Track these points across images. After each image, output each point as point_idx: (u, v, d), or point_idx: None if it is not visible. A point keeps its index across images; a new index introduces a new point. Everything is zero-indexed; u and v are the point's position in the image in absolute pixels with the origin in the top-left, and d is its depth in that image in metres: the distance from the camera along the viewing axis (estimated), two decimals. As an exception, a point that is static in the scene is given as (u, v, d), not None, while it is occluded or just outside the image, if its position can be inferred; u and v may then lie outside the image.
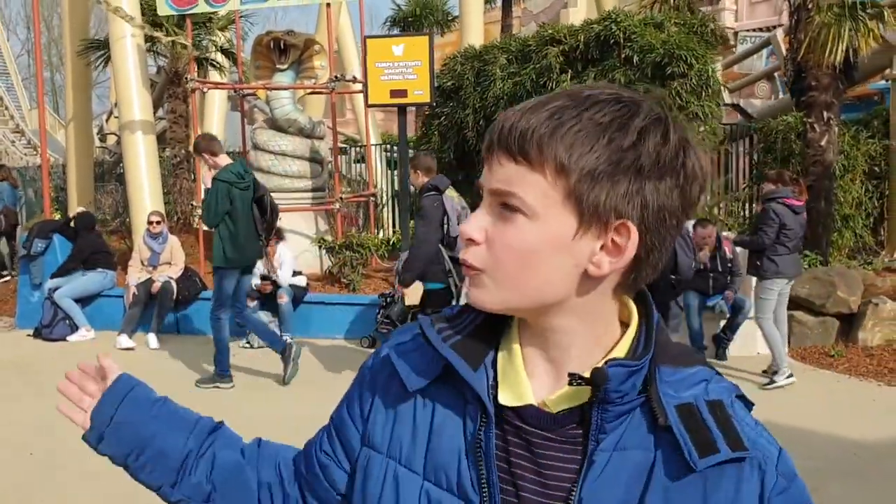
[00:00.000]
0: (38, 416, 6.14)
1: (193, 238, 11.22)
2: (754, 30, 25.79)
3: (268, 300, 8.85)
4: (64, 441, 5.54)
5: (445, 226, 6.16)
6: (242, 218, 6.81)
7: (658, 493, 0.87)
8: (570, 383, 0.88)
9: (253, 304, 8.74)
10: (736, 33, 28.63)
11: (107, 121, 26.80)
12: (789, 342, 7.69)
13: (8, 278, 13.06)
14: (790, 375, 6.83)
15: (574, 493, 0.89)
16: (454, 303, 6.31)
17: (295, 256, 9.36)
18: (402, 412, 1.00)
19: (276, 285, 8.83)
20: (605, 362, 0.88)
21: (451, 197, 6.29)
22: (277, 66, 10.66)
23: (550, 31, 9.39)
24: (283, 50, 10.60)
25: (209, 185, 6.90)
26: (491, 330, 0.97)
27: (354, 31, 17.76)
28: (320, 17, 16.13)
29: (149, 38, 11.48)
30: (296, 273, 9.14)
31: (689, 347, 0.99)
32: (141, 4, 11.22)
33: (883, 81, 13.67)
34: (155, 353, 8.45)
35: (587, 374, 0.87)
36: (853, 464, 5.01)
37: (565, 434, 0.91)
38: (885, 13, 9.22)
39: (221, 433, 1.19)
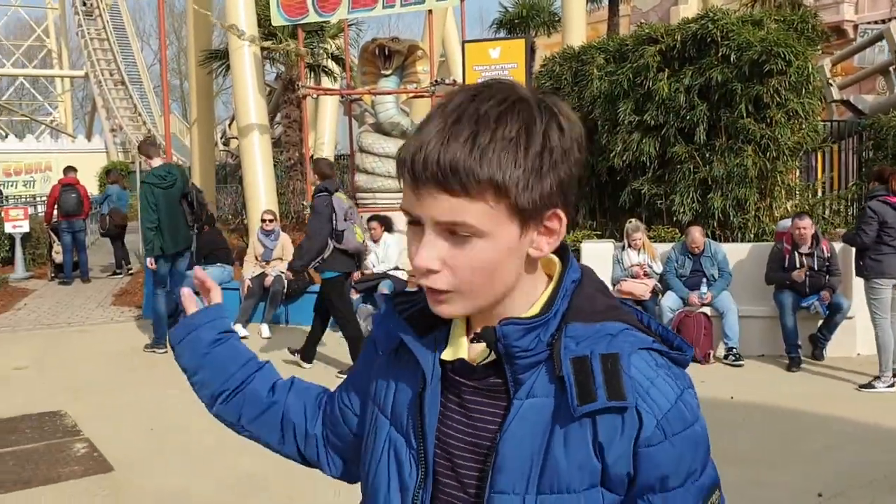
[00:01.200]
0: (155, 401, 6.76)
1: (304, 236, 11.82)
2: (875, 22, 24.70)
3: (371, 294, 9.28)
4: (181, 419, 6.11)
5: (334, 222, 7.13)
6: (167, 213, 8.08)
7: (558, 435, 0.99)
8: (471, 341, 1.04)
9: (356, 296, 9.21)
10: (856, 26, 27.47)
11: (229, 125, 28.10)
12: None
13: (121, 275, 14.08)
14: (893, 385, 6.67)
15: (498, 435, 1.01)
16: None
17: (400, 251, 9.77)
18: (383, 367, 1.16)
19: (377, 277, 9.26)
20: (500, 321, 1.00)
21: (340, 198, 7.32)
22: (382, 71, 11.14)
23: (648, 31, 9.44)
24: (388, 56, 11.06)
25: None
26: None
27: (460, 36, 18.14)
28: (426, 23, 16.62)
29: (264, 48, 12.18)
30: (397, 268, 9.55)
31: (611, 303, 1.05)
32: (258, 16, 11.93)
33: None
34: (267, 342, 9.03)
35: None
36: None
37: (488, 383, 1.03)
38: None
39: (264, 370, 1.39)
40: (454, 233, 0.93)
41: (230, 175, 23.59)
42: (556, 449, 0.98)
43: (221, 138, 26.74)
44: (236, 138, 25.14)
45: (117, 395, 6.92)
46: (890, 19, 14.11)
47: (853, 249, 7.12)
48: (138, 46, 49.27)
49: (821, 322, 7.65)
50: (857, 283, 7.35)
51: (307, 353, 7.79)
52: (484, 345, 1.01)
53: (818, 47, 9.36)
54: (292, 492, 4.70)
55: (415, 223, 0.96)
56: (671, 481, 1.00)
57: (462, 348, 1.06)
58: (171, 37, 53.25)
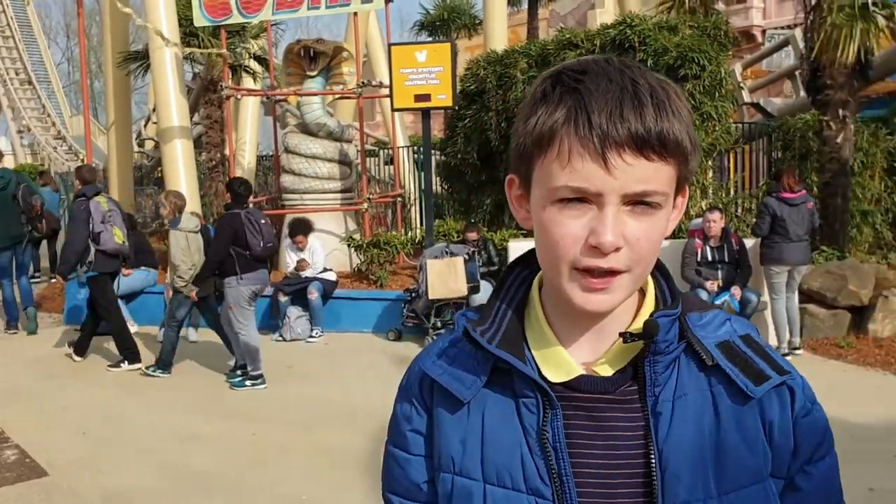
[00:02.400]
0: (91, 401, 6.66)
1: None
2: (782, 27, 25.81)
3: (299, 296, 9.29)
4: (113, 420, 6.05)
5: (91, 225, 7.54)
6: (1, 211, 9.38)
7: (731, 425, 0.93)
8: (625, 341, 0.93)
9: (284, 298, 9.21)
10: (764, 31, 28.66)
11: (145, 126, 27.49)
12: (801, 334, 7.96)
13: (42, 280, 13.66)
14: (787, 353, 7.45)
15: (652, 448, 0.91)
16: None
17: (326, 254, 9.81)
18: (448, 424, 0.99)
19: (307, 280, 9.28)
20: (654, 314, 0.94)
21: (99, 202, 7.70)
22: (308, 72, 11.13)
23: (568, 36, 9.74)
24: (313, 57, 11.06)
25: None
26: (518, 319, 1.00)
27: (383, 37, 18.19)
28: (349, 25, 16.61)
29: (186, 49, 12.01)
30: (326, 269, 9.58)
31: (697, 296, 1.06)
32: (178, 16, 11.75)
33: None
34: (194, 347, 8.93)
35: (631, 330, 0.95)
36: (848, 445, 5.30)
37: (624, 393, 0.94)
38: (896, 13, 9.42)
39: None
40: (638, 204, 0.88)
41: (146, 176, 23.09)
42: (733, 441, 0.93)
43: (136, 139, 26.11)
44: (152, 139, 24.68)
45: (44, 400, 6.78)
46: (795, 25, 14.85)
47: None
48: (45, 44, 47.57)
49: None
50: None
51: (79, 346, 8.25)
52: (613, 351, 0.95)
53: (730, 52, 9.80)
54: (235, 486, 4.73)
55: (581, 200, 0.87)
56: (822, 449, 0.99)
57: (567, 364, 0.96)
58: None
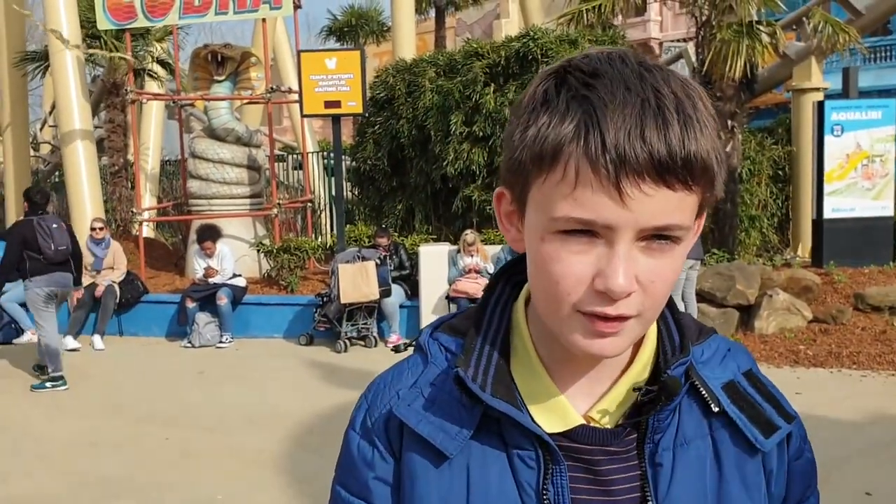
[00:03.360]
0: (-9, 411, 6.52)
1: (133, 244, 11.55)
2: (678, 40, 26.95)
3: (207, 302, 9.26)
4: (17, 429, 5.97)
5: None
6: None
7: (734, 477, 0.85)
8: (640, 397, 0.82)
9: (193, 304, 9.17)
10: (661, 43, 29.83)
11: (40, 130, 26.58)
12: (694, 332, 8.45)
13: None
14: None
15: (652, 499, 0.83)
16: None
17: (235, 260, 9.81)
18: (424, 479, 0.85)
19: (216, 286, 9.27)
20: (661, 361, 0.84)
21: None
22: (215, 77, 11.09)
23: (475, 46, 10.04)
24: (221, 62, 11.03)
25: None
26: (506, 358, 0.86)
27: (291, 43, 18.16)
28: (256, 30, 16.55)
29: (88, 52, 11.77)
30: (235, 275, 9.58)
31: (691, 317, 0.93)
32: (80, 18, 11.51)
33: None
34: (100, 354, 8.80)
35: (641, 381, 0.84)
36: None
37: (621, 443, 0.84)
38: (779, 31, 10.08)
39: None
40: (655, 238, 0.74)
41: (42, 181, 22.33)
42: (737, 495, 0.85)
43: (31, 143, 25.21)
44: (48, 143, 23.87)
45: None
46: (689, 39, 15.58)
47: None
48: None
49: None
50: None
51: None
52: (612, 398, 0.84)
53: (626, 65, 10.28)
54: (147, 489, 4.77)
55: (587, 233, 0.73)
56: (811, 489, 0.94)
57: (564, 412, 0.83)
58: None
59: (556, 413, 0.83)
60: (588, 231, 0.73)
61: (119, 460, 5.33)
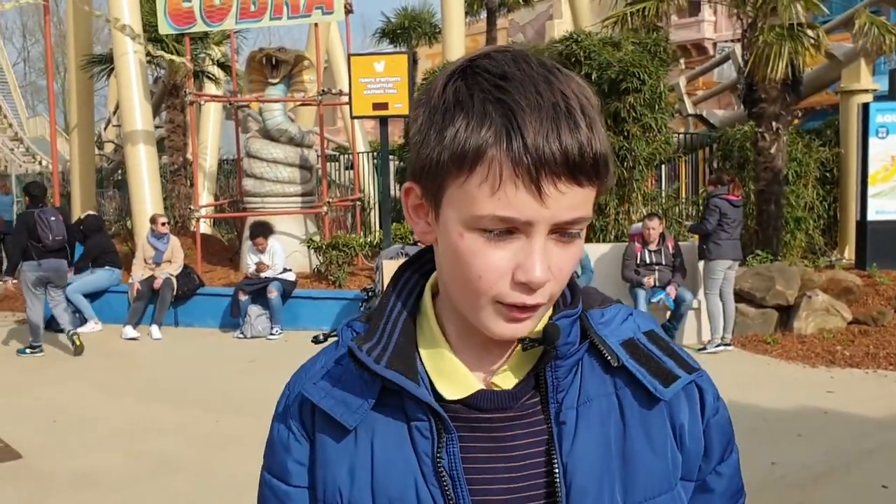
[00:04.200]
0: (58, 393, 7.00)
1: (191, 240, 12.06)
2: (730, 41, 26.76)
3: (259, 295, 9.67)
4: (83, 409, 6.41)
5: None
6: None
7: (638, 431, 0.88)
8: (524, 348, 0.86)
9: (245, 297, 9.59)
10: (714, 44, 29.62)
11: (105, 128, 27.52)
12: (733, 331, 8.55)
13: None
14: (719, 345, 8.24)
15: (556, 462, 0.85)
16: None
17: (286, 256, 10.21)
18: (333, 452, 0.90)
19: (268, 279, 9.68)
20: (554, 316, 0.86)
21: None
22: (269, 80, 11.53)
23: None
24: (275, 65, 11.47)
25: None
26: (410, 331, 0.90)
27: (344, 45, 18.60)
28: (310, 34, 17.00)
29: (149, 53, 12.32)
30: (286, 270, 9.98)
31: (596, 290, 0.98)
32: (143, 22, 12.07)
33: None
34: (157, 343, 9.28)
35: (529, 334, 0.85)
36: (759, 424, 5.87)
37: (524, 407, 0.87)
38: (821, 34, 10.10)
39: None
40: (563, 231, 0.79)
41: (105, 179, 23.16)
42: (640, 449, 0.88)
43: (96, 141, 26.14)
44: (112, 142, 24.75)
45: (16, 392, 7.11)
46: (736, 40, 15.56)
47: (696, 249, 8.34)
48: (1, 44, 47.07)
49: (669, 313, 8.62)
50: (700, 280, 8.47)
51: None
52: (513, 360, 0.88)
53: (669, 67, 10.41)
54: (198, 466, 5.14)
55: (507, 231, 0.78)
56: (730, 445, 0.97)
57: (464, 379, 0.88)
58: (37, 35, 51.11)
59: (457, 382, 0.87)
60: (508, 229, 0.78)
61: (173, 441, 5.72)
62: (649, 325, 0.94)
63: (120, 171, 24.24)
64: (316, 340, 1.05)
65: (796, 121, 20.75)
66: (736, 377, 7.30)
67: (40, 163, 32.54)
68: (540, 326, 0.86)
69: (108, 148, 25.45)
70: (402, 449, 0.87)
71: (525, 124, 0.75)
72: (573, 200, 0.78)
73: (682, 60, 32.69)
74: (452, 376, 0.88)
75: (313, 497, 0.92)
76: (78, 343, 8.57)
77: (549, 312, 0.88)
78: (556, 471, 0.85)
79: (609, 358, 0.88)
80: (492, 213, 0.77)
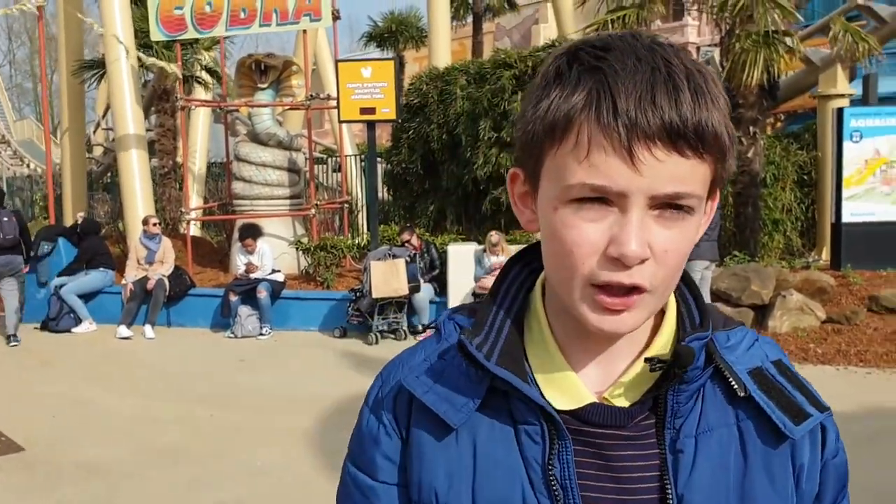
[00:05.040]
0: (59, 388, 7.21)
1: (181, 242, 12.26)
2: (714, 45, 27.10)
3: (249, 296, 9.89)
4: (84, 405, 6.62)
5: None
6: None
7: (759, 468, 0.82)
8: (652, 369, 0.81)
9: (235, 298, 9.80)
10: (698, 48, 29.97)
11: (94, 132, 27.59)
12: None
13: None
14: None
15: (669, 492, 0.80)
16: None
17: (275, 258, 10.44)
18: (431, 452, 0.85)
19: (257, 280, 9.91)
20: (680, 339, 0.81)
21: None
22: (258, 85, 11.75)
23: (503, 56, 10.54)
24: (264, 71, 11.69)
25: None
26: (518, 331, 0.86)
27: (331, 49, 18.82)
28: (298, 40, 17.23)
29: (141, 61, 12.53)
30: (275, 271, 10.21)
31: (717, 308, 0.91)
32: (134, 27, 12.26)
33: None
34: (151, 342, 9.48)
35: (657, 355, 0.82)
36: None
37: (638, 427, 0.82)
38: (796, 41, 10.41)
39: None
40: (668, 207, 0.75)
41: (95, 181, 23.27)
42: (760, 487, 0.82)
43: (84, 145, 26.20)
44: (100, 145, 24.85)
45: (15, 389, 7.32)
46: (715, 45, 15.86)
47: None
48: (-12, 47, 46.98)
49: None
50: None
51: None
52: (631, 377, 0.83)
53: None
54: (199, 456, 5.37)
55: (600, 201, 0.74)
56: (844, 491, 0.90)
57: (576, 390, 0.83)
58: (23, 37, 51.05)
59: (568, 391, 0.82)
60: (601, 199, 0.74)
61: (174, 433, 5.94)
62: (777, 354, 0.88)
63: (109, 174, 24.39)
64: (413, 331, 0.90)
65: (779, 124, 21.18)
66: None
67: (28, 166, 32.53)
68: (660, 344, 0.83)
69: (97, 151, 25.53)
70: (509, 454, 0.82)
71: (617, 87, 0.72)
72: (675, 171, 0.73)
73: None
74: (562, 384, 0.83)
75: (405, 497, 0.88)
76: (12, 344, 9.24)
77: (673, 330, 0.84)
78: (670, 501, 0.81)
79: (735, 387, 0.82)
80: (581, 181, 0.73)
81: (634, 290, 0.75)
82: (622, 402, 0.82)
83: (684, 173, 0.73)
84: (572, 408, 0.82)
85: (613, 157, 0.72)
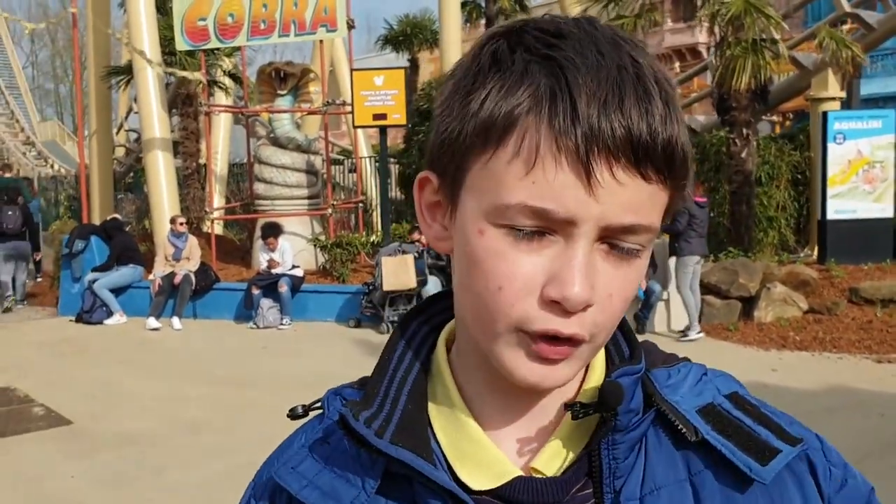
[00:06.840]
0: (94, 373, 7.98)
1: (205, 240, 13.02)
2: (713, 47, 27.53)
3: (270, 289, 10.62)
4: (118, 386, 7.36)
5: None
6: None
7: None
8: (574, 416, 0.65)
9: (257, 292, 10.53)
10: (708, 48, 30.43)
11: (116, 133, 28.34)
12: (700, 320, 9.46)
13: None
14: (700, 332, 9.15)
15: None
16: None
17: (294, 254, 11.17)
18: None
19: (278, 275, 10.65)
20: (612, 373, 0.66)
21: None
22: (278, 91, 12.48)
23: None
24: (283, 78, 12.43)
25: None
26: (419, 397, 0.70)
27: (347, 54, 19.54)
28: (315, 48, 17.96)
29: (167, 71, 13.31)
30: (294, 266, 10.94)
31: (655, 344, 0.76)
32: (160, 37, 13.02)
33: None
34: (178, 333, 10.24)
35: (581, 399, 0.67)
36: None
37: (574, 500, 0.66)
38: (782, 49, 11.02)
39: None
40: (616, 243, 0.61)
41: (117, 182, 24.08)
42: None
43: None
44: (122, 146, 25.68)
45: (58, 373, 8.09)
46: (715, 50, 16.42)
47: (667, 247, 9.30)
48: (13, 49, 48.06)
49: (640, 303, 9.54)
50: (670, 275, 9.41)
51: None
52: (559, 438, 0.68)
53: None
54: (222, 428, 6.09)
55: (540, 230, 0.59)
56: None
57: (496, 463, 0.67)
58: (45, 38, 52.17)
59: (486, 466, 0.67)
60: (542, 228, 0.59)
61: (200, 409, 6.67)
62: (732, 387, 0.73)
63: (132, 174, 25.22)
64: (294, 415, 0.80)
65: (787, 122, 21.70)
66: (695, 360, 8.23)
67: (52, 166, 33.36)
68: (595, 392, 0.67)
69: (119, 152, 26.30)
70: None
71: (577, 85, 0.57)
72: (633, 198, 0.59)
73: (677, 65, 33.54)
74: (479, 459, 0.67)
75: None
76: (9, 306, 11.61)
77: (603, 371, 0.70)
78: None
79: (684, 431, 0.67)
80: (522, 201, 0.58)
81: (573, 339, 0.61)
82: (555, 471, 0.67)
83: (643, 201, 0.60)
84: (493, 486, 0.66)
85: (566, 174, 0.57)
